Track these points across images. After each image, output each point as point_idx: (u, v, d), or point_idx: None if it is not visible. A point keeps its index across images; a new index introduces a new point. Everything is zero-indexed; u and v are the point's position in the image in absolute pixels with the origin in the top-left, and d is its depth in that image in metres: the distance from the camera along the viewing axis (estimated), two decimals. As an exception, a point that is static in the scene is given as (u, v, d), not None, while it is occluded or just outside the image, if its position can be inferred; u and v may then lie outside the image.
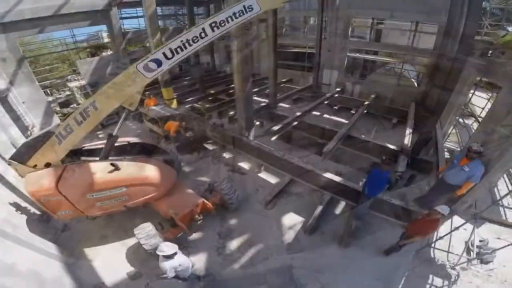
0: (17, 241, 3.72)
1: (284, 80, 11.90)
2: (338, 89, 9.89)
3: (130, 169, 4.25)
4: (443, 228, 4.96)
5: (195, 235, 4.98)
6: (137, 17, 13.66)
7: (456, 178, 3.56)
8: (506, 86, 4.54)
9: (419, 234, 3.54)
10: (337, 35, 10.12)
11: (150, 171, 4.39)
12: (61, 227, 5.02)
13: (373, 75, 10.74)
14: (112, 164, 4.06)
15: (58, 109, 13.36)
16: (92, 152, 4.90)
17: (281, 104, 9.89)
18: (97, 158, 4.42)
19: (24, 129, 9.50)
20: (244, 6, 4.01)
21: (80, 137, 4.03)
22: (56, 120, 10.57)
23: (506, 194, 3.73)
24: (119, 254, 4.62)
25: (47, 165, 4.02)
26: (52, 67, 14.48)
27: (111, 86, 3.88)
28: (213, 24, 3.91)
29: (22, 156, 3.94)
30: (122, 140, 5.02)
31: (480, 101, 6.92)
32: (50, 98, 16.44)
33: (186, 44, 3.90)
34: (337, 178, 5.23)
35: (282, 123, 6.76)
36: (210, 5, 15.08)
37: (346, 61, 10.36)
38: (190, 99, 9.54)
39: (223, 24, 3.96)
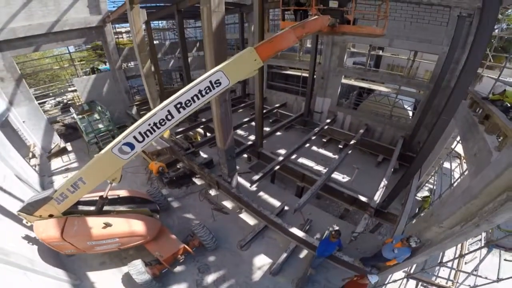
0: (36, 272, 4.53)
1: (277, 105, 11.84)
2: (328, 121, 9.84)
3: (120, 224, 5.12)
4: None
5: (178, 268, 5.81)
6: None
7: (387, 254, 4.41)
8: (470, 170, 4.63)
9: None
10: (331, 61, 9.85)
11: (137, 225, 5.26)
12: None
13: (366, 101, 10.56)
14: (105, 223, 4.92)
15: (61, 116, 13.82)
16: (87, 202, 5.54)
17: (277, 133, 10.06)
18: (92, 208, 5.27)
19: (26, 149, 10.09)
20: (210, 82, 3.74)
21: (75, 200, 4.63)
22: (56, 138, 11.07)
23: (433, 266, 4.54)
24: (116, 278, 5.49)
25: (50, 215, 4.76)
26: (52, 78, 14.58)
27: (94, 165, 4.17)
28: (178, 105, 3.78)
29: (28, 209, 4.65)
30: (113, 194, 5.84)
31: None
32: (52, 101, 16.93)
33: (155, 127, 3.93)
34: (300, 233, 5.81)
35: (263, 171, 7.03)
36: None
37: (339, 89, 10.16)
38: (181, 129, 9.71)
39: (189, 104, 3.80)
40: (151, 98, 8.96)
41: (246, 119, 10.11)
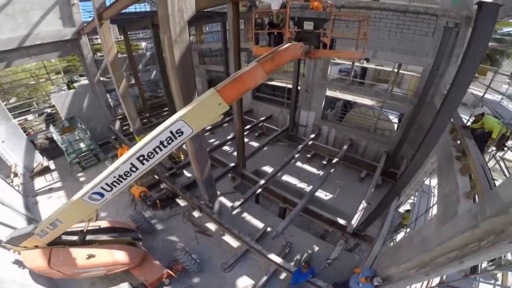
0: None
1: (262, 118, 11.63)
2: (312, 136, 9.75)
3: (103, 255, 5.41)
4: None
5: (164, 288, 6.07)
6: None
7: (354, 285, 4.75)
8: (439, 211, 4.65)
9: None
10: (315, 74, 9.62)
11: (119, 255, 5.54)
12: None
13: (351, 112, 10.47)
14: (88, 255, 5.20)
15: (43, 127, 13.43)
16: (71, 232, 5.60)
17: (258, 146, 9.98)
18: (75, 238, 5.45)
19: (7, 169, 9.88)
20: (171, 132, 3.52)
21: (57, 235, 4.83)
22: (38, 156, 10.84)
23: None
24: (106, 299, 5.70)
25: (36, 246, 5.03)
26: (32, 91, 14.00)
27: (68, 209, 4.25)
28: (140, 158, 3.66)
29: (14, 242, 4.98)
30: (94, 224, 5.91)
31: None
32: (34, 114, 16.36)
33: (121, 179, 3.88)
34: (278, 259, 6.00)
35: (244, 196, 7.06)
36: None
37: (324, 102, 10.00)
38: None
39: (152, 156, 3.67)
40: (130, 118, 8.72)
41: (230, 136, 9.97)
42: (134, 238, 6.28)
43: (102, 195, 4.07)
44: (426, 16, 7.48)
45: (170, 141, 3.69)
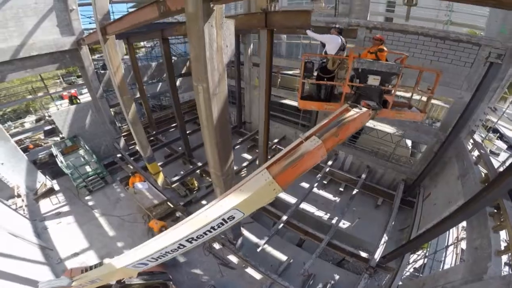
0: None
1: (276, 140, 11.22)
2: (330, 163, 9.63)
3: None
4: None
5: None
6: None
7: None
8: (467, 262, 4.73)
9: None
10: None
11: None
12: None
13: (365, 135, 10.28)
14: None
15: (43, 138, 12.64)
16: None
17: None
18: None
19: (10, 191, 9.34)
20: (223, 219, 3.46)
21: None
22: (40, 177, 10.24)
23: None
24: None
25: None
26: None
27: (110, 273, 4.34)
28: (189, 239, 3.70)
29: None
30: None
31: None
32: (34, 117, 15.29)
33: (167, 254, 3.91)
34: None
35: (268, 234, 7.09)
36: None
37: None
38: (176, 178, 9.08)
39: (201, 237, 3.64)
40: (141, 146, 8.17)
41: (247, 162, 9.64)
42: (165, 279, 6.42)
43: (146, 264, 4.15)
44: (468, 44, 6.62)
45: (221, 225, 3.58)
